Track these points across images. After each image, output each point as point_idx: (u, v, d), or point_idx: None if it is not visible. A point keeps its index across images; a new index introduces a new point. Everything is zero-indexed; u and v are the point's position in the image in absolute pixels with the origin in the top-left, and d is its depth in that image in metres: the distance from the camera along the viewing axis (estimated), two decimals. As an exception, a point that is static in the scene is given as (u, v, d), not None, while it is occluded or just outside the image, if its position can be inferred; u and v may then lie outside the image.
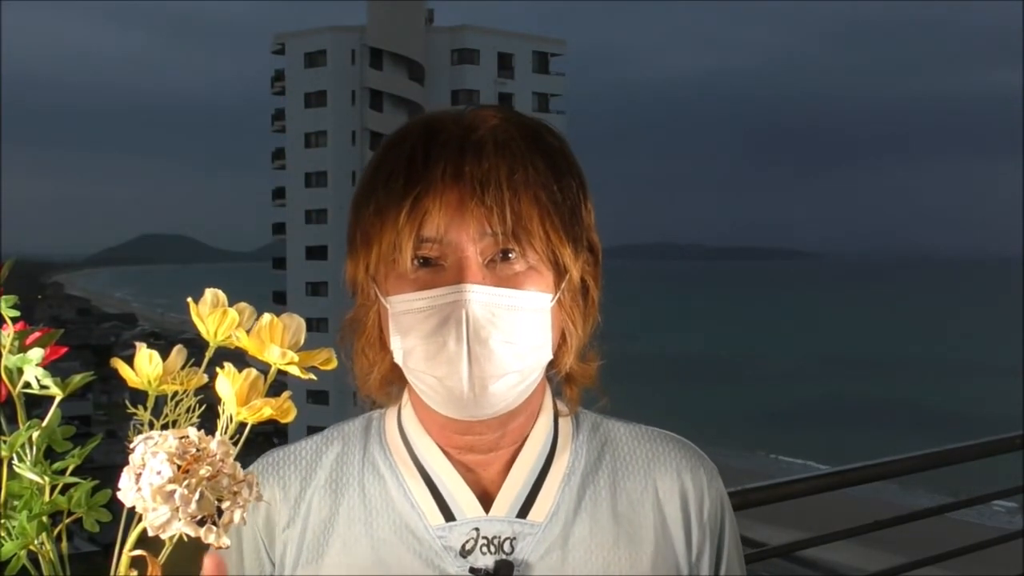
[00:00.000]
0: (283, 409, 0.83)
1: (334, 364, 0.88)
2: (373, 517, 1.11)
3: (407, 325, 1.03)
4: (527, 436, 1.13)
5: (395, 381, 1.13)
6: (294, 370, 0.84)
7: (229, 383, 0.82)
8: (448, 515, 1.09)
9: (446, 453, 1.11)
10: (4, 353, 0.82)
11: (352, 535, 1.11)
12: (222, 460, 0.76)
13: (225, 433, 0.81)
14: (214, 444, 0.76)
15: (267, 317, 0.86)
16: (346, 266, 1.11)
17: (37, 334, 0.84)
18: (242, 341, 0.84)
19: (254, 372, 0.83)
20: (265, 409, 0.82)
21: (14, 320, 0.84)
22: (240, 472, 0.76)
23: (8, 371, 0.82)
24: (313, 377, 0.86)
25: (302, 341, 0.86)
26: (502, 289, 1.02)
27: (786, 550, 3.11)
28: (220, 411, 0.83)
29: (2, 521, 0.79)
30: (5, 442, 0.80)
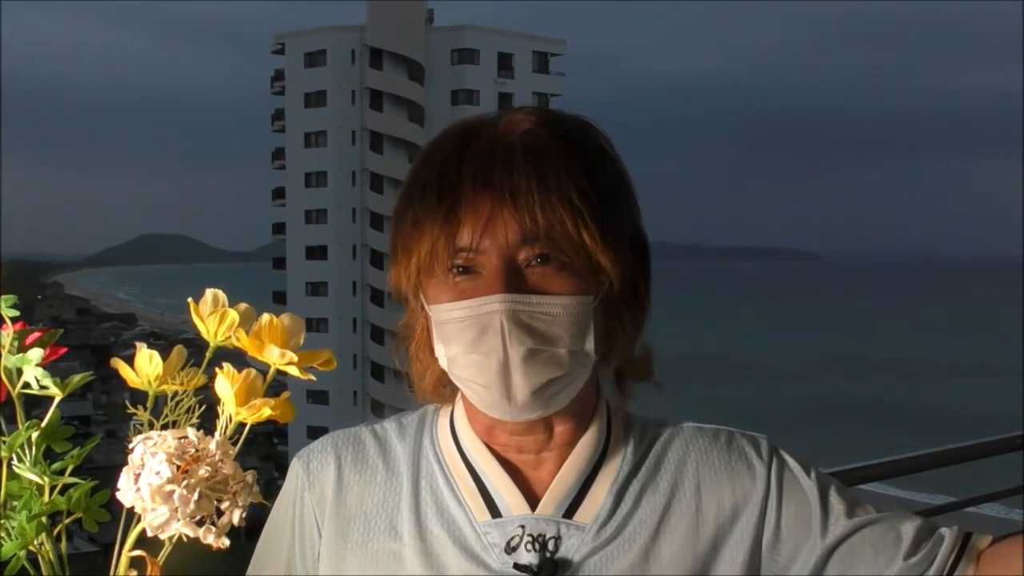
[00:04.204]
0: (282, 409, 0.83)
1: (334, 365, 0.88)
2: (422, 508, 1.13)
3: (449, 334, 1.05)
4: (578, 439, 1.13)
5: (448, 384, 1.14)
6: (293, 370, 0.84)
7: (228, 383, 0.82)
8: (495, 512, 1.11)
9: (495, 453, 1.13)
10: (4, 353, 0.82)
11: (402, 524, 1.13)
12: (221, 460, 0.76)
13: (224, 433, 0.81)
14: (213, 444, 0.76)
15: (266, 317, 0.86)
16: (390, 275, 1.13)
17: (37, 334, 0.84)
18: (242, 341, 0.85)
19: (253, 372, 0.83)
20: (264, 409, 0.82)
21: (14, 320, 0.84)
22: (239, 472, 0.77)
23: (8, 371, 0.83)
24: (312, 378, 0.86)
25: (302, 341, 0.87)
26: (536, 296, 1.03)
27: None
28: (220, 411, 0.83)
29: (2, 521, 0.79)
30: (5, 442, 0.80)
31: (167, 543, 0.77)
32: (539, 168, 1.03)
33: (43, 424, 0.81)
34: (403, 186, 1.10)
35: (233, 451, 0.78)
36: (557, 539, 1.09)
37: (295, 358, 0.84)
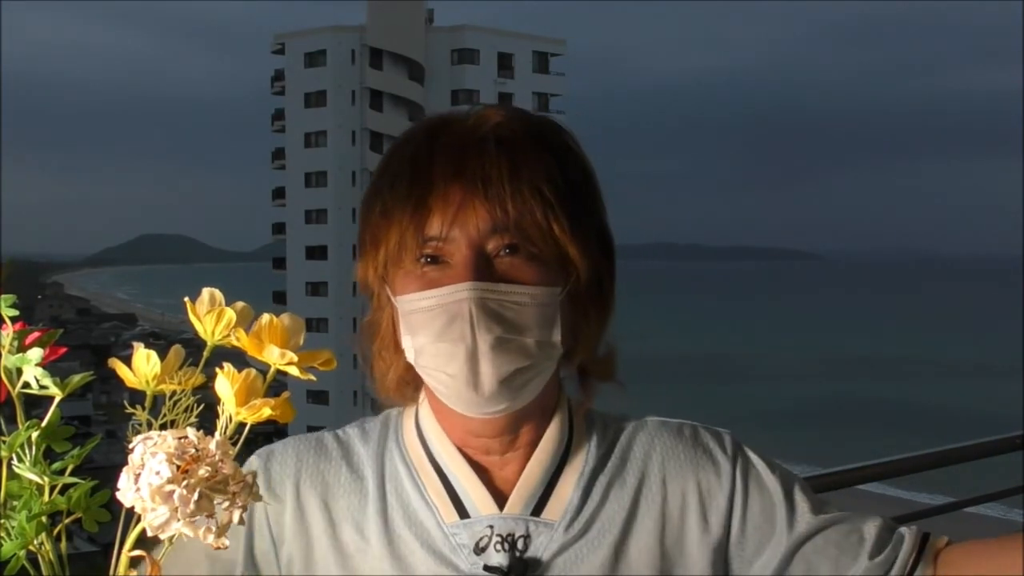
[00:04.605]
0: (282, 409, 0.83)
1: (334, 365, 0.88)
2: (389, 512, 1.12)
3: (416, 324, 1.05)
4: (542, 437, 1.13)
5: (411, 382, 1.14)
6: (293, 370, 0.84)
7: (228, 383, 0.82)
8: (463, 513, 1.10)
9: (462, 452, 1.12)
10: (4, 353, 0.82)
11: (369, 528, 1.12)
12: (221, 460, 0.76)
13: (224, 433, 0.81)
14: (213, 444, 0.76)
15: (266, 317, 0.86)
16: (357, 268, 1.12)
17: (36, 334, 0.84)
18: (241, 341, 0.84)
19: (253, 372, 0.83)
20: (264, 409, 0.82)
21: (14, 320, 0.84)
22: (239, 472, 0.76)
23: (7, 371, 0.82)
24: (312, 378, 0.86)
25: (302, 341, 0.86)
26: (505, 285, 1.03)
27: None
28: (219, 411, 0.83)
29: (1, 521, 0.79)
30: (5, 442, 0.80)
31: (167, 543, 0.77)
32: (511, 159, 1.04)
33: (43, 424, 0.81)
34: (372, 178, 1.10)
35: (233, 451, 0.78)
36: (526, 538, 1.09)
37: (295, 358, 0.84)
